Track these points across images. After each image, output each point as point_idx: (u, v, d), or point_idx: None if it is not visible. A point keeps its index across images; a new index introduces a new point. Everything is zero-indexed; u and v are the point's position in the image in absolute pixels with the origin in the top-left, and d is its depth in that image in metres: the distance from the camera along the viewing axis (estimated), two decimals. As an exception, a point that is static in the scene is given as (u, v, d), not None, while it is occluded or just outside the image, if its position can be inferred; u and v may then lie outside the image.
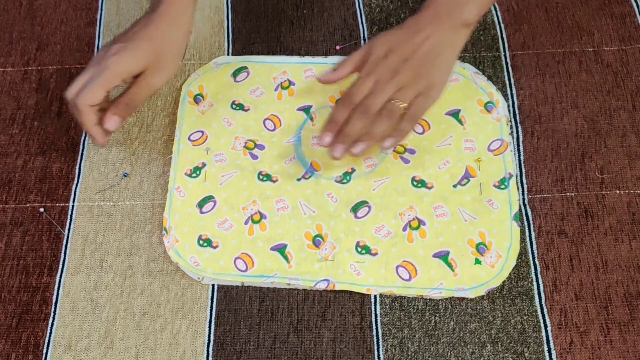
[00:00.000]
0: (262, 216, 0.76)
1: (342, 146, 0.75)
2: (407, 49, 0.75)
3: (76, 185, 0.79)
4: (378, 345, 0.70)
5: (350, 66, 0.77)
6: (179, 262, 0.74)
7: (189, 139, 0.81)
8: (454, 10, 0.76)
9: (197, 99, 0.83)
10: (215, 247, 0.75)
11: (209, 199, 0.77)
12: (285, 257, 0.74)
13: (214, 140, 0.81)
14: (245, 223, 0.76)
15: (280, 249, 0.74)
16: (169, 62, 0.77)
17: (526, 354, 0.69)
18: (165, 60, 0.76)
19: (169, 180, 0.78)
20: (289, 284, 0.73)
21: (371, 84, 0.75)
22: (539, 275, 0.73)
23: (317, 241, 0.75)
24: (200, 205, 0.77)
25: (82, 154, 0.81)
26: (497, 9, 0.89)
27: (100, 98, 0.74)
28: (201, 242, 0.75)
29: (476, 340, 0.70)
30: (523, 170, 0.78)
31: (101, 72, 0.73)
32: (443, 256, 0.73)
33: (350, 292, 0.73)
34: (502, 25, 0.88)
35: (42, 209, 0.78)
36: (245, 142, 0.80)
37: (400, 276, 0.73)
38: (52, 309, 0.73)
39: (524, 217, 0.76)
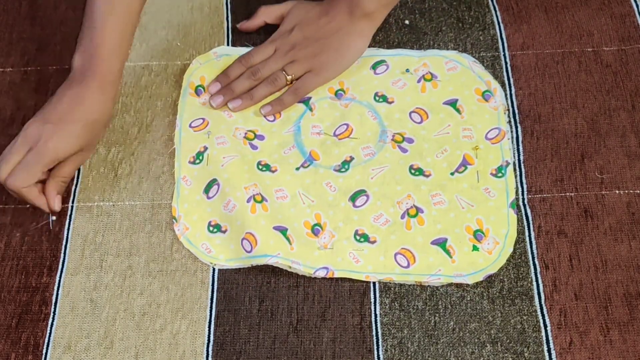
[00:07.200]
0: (263, 198, 0.76)
1: (222, 98, 0.82)
2: (310, 28, 0.82)
3: (75, 185, 0.79)
4: (378, 345, 0.70)
5: (266, 18, 0.86)
6: (190, 249, 0.74)
7: (189, 126, 0.81)
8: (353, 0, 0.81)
9: (198, 90, 0.84)
10: (224, 232, 0.75)
11: (212, 182, 0.77)
12: (288, 239, 0.74)
13: (215, 125, 0.81)
14: (248, 201, 0.76)
15: (282, 230, 0.74)
16: (100, 135, 0.80)
17: (526, 354, 0.69)
18: (98, 135, 0.79)
19: (174, 171, 0.79)
20: (291, 267, 0.73)
21: (271, 51, 0.83)
22: (539, 275, 0.73)
23: (316, 230, 0.75)
24: (207, 190, 0.77)
25: (81, 154, 0.81)
26: (497, 9, 0.89)
27: (36, 180, 0.73)
28: (211, 228, 0.75)
29: (476, 340, 0.70)
30: (523, 170, 0.78)
31: (38, 158, 0.72)
32: (441, 243, 0.74)
33: (350, 292, 0.73)
34: (502, 25, 0.88)
35: (41, 209, 0.78)
36: (245, 133, 0.81)
37: (398, 263, 0.73)
38: (52, 309, 0.73)
39: (524, 218, 0.76)
